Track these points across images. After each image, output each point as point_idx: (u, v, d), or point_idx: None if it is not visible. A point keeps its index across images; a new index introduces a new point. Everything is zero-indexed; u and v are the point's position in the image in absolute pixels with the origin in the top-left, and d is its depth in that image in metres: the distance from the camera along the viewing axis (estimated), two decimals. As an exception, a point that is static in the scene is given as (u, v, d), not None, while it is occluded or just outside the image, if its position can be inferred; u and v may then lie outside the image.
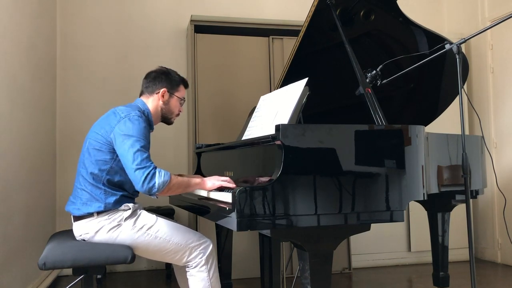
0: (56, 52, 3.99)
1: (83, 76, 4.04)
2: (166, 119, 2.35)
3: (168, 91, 2.29)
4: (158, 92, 2.27)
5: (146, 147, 2.02)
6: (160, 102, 2.28)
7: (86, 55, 4.06)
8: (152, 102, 2.28)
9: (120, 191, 2.09)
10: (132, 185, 2.00)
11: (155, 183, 1.92)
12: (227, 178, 2.08)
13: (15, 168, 2.87)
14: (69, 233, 2.19)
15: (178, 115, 2.38)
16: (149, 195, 1.96)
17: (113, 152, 2.06)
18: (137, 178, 1.93)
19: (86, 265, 1.98)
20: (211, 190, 2.10)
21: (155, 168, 1.96)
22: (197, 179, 2.12)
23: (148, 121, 2.21)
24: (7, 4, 2.78)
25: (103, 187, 2.07)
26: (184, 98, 2.37)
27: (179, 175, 2.48)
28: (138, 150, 1.96)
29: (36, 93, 3.36)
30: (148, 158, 1.98)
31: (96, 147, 2.09)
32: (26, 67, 3.14)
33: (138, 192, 2.12)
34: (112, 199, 2.06)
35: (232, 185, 2.02)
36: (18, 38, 2.98)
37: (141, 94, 2.32)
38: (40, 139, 3.44)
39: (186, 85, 2.39)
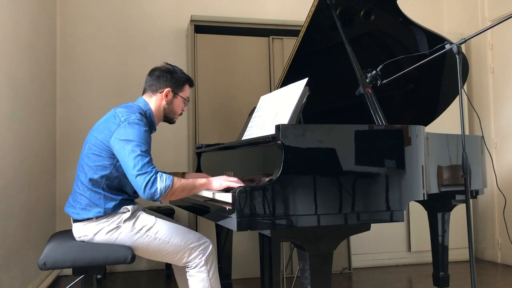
0: (56, 51, 3.99)
1: (83, 76, 4.04)
2: (168, 119, 2.28)
3: (172, 91, 2.20)
4: (162, 92, 2.19)
5: (147, 151, 1.95)
6: (164, 102, 2.20)
7: (86, 55, 4.06)
8: (155, 101, 2.20)
9: (120, 195, 2.06)
10: (133, 187, 1.97)
11: (156, 188, 1.87)
12: (235, 179, 1.99)
13: (15, 168, 2.87)
14: (69, 233, 2.19)
15: (180, 114, 2.31)
16: (153, 201, 1.91)
17: (112, 157, 2.01)
18: (138, 184, 1.88)
19: (86, 265, 1.98)
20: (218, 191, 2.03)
21: (156, 173, 1.90)
22: (201, 180, 2.03)
23: (150, 123, 2.17)
24: (6, 3, 2.78)
25: (102, 192, 2.04)
26: (188, 98, 2.29)
27: (183, 174, 2.47)
28: (138, 155, 1.90)
29: (36, 93, 3.36)
30: (149, 163, 1.91)
31: (96, 152, 2.04)
32: (26, 67, 3.14)
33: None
34: (111, 204, 2.04)
35: (241, 184, 1.93)
36: (18, 38, 2.98)
37: (144, 92, 2.24)
38: (40, 139, 3.44)
39: (191, 84, 2.30)
